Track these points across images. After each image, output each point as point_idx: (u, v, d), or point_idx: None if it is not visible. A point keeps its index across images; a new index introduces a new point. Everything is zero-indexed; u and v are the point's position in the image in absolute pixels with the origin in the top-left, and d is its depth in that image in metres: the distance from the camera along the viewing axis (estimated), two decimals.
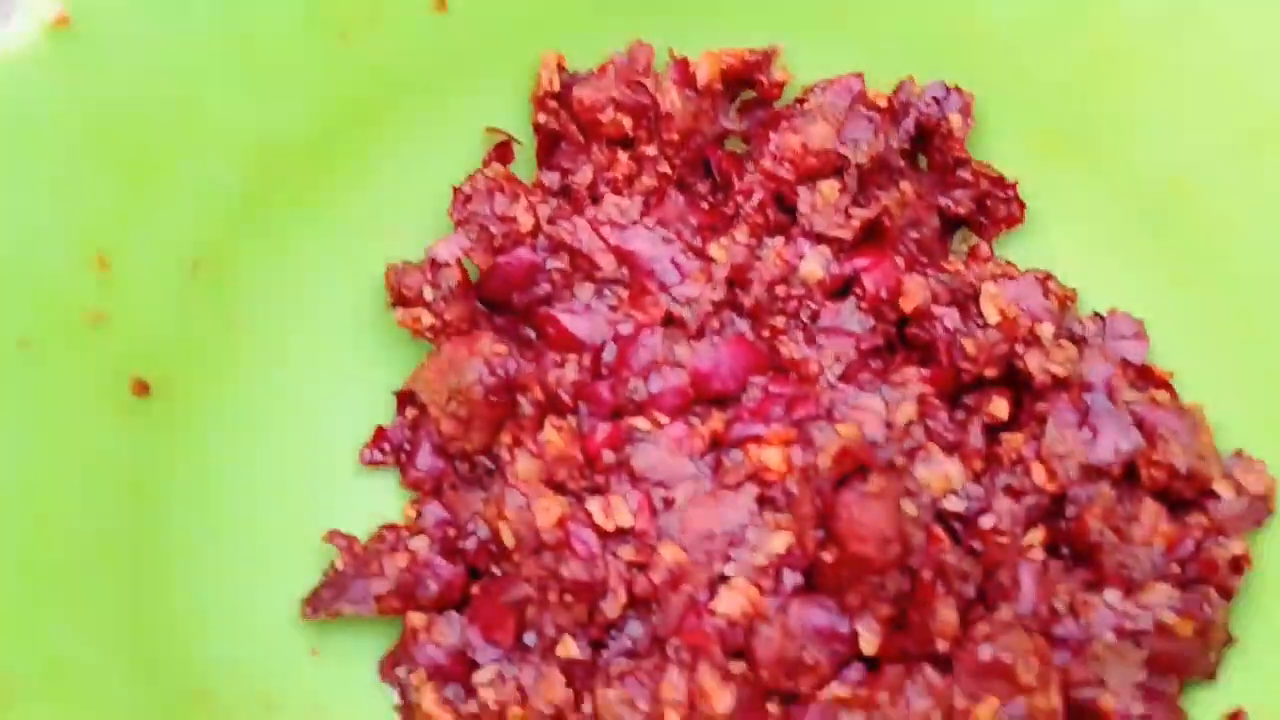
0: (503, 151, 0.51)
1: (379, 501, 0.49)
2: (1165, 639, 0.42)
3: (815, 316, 0.49)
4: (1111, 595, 0.43)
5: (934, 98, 0.50)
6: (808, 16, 0.52)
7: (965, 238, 0.53)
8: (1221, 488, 0.44)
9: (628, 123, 0.50)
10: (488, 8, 0.48)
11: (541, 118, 0.51)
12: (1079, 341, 0.48)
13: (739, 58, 0.51)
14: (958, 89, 0.50)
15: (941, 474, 0.44)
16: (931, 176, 0.52)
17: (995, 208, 0.51)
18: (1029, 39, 0.49)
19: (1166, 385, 0.47)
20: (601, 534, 0.44)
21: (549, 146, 0.52)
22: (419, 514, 0.47)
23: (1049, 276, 0.48)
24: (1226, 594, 0.43)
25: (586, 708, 0.42)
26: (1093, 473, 0.44)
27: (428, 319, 0.47)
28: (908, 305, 0.48)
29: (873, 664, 0.42)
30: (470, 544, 0.46)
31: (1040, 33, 0.48)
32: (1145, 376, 0.47)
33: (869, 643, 0.42)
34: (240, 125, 0.45)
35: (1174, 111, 0.46)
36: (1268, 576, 0.44)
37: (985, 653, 0.40)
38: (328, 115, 0.48)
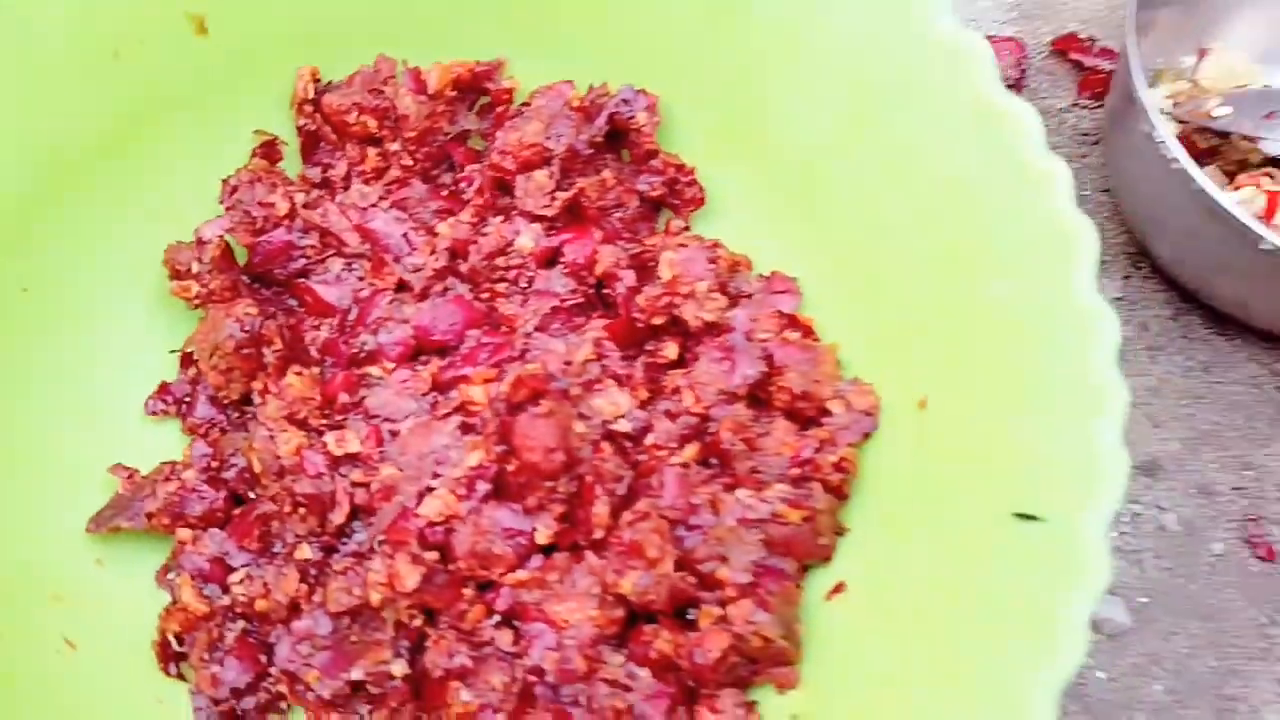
0: (268, 149, 0.61)
1: (166, 446, 0.58)
2: (779, 525, 0.52)
3: (531, 281, 0.59)
4: (743, 493, 0.53)
5: (624, 99, 0.61)
6: (534, 38, 0.62)
7: (671, 217, 0.63)
8: (834, 405, 0.55)
9: (372, 123, 0.60)
10: (244, 32, 0.58)
11: (301, 121, 0.61)
12: (745, 297, 0.59)
13: (467, 68, 0.61)
14: (644, 91, 0.61)
15: (612, 402, 0.54)
16: (631, 166, 0.62)
17: (683, 191, 0.62)
18: (698, 52, 0.59)
19: (807, 329, 0.58)
20: (332, 459, 0.53)
21: (310, 146, 0.62)
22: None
23: (717, 245, 0.59)
24: (840, 494, 0.54)
25: (317, 597, 0.52)
26: (728, 396, 0.55)
27: (196, 289, 0.57)
28: (599, 269, 0.58)
29: (549, 551, 0.52)
30: (231, 474, 0.55)
31: (706, 46, 0.59)
32: (793, 324, 0.58)
33: (544, 535, 0.52)
34: (31, 128, 0.54)
35: (801, 105, 0.57)
36: (875, 479, 0.54)
37: (626, 535, 0.51)
38: (114, 121, 0.57)
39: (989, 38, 0.72)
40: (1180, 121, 0.70)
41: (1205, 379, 0.65)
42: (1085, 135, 0.73)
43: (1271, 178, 0.66)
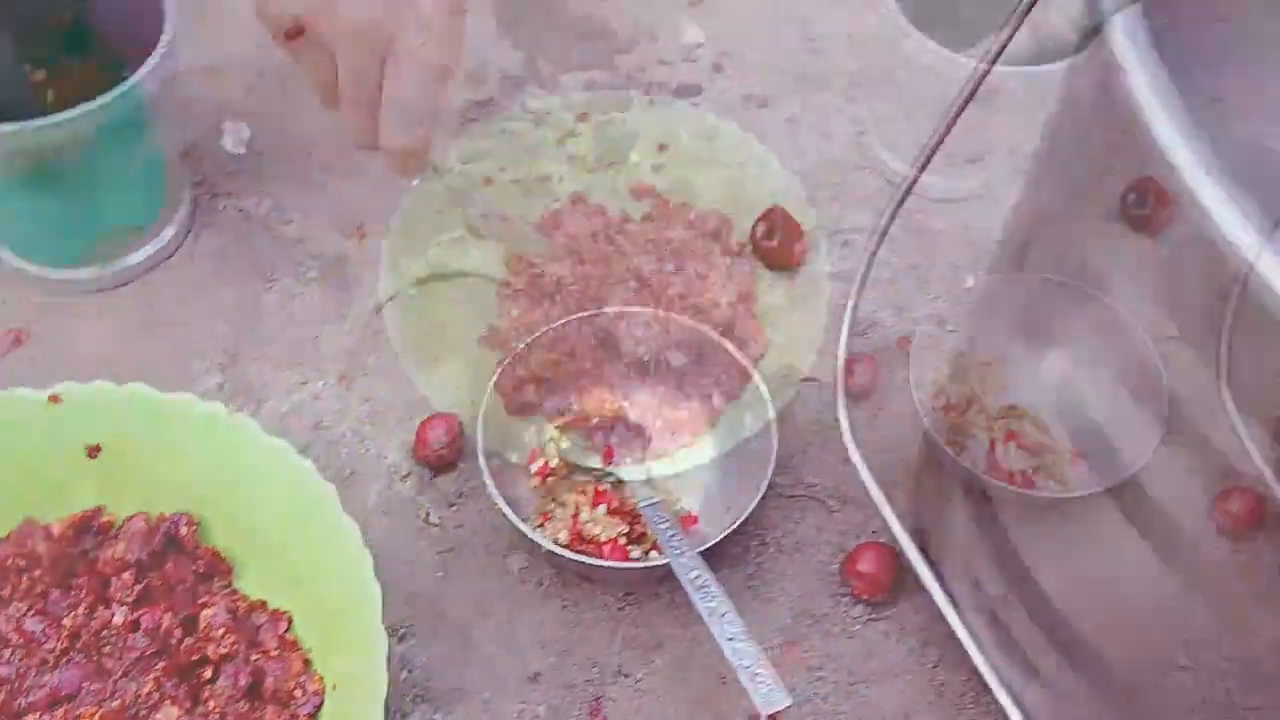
0: None
1: None
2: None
3: (124, 642, 0.98)
4: None
5: (174, 521, 1.02)
6: (120, 493, 1.03)
7: (219, 580, 1.04)
8: (296, 692, 0.94)
9: (22, 563, 1.00)
10: None
11: None
12: (258, 627, 0.99)
13: (80, 516, 1.02)
14: (187, 514, 1.02)
15: (165, 714, 0.94)
16: (186, 555, 1.03)
17: (217, 567, 1.02)
18: (214, 494, 1.01)
19: (291, 644, 0.97)
20: None
21: None
22: None
23: (239, 598, 0.99)
24: None
25: None
26: (235, 696, 0.94)
27: None
28: (163, 629, 0.98)
29: None
30: None
31: (218, 492, 1.01)
32: (283, 642, 0.98)
33: None
34: None
35: (266, 520, 0.98)
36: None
37: None
38: None
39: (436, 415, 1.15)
40: None
41: (575, 611, 1.07)
42: None
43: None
